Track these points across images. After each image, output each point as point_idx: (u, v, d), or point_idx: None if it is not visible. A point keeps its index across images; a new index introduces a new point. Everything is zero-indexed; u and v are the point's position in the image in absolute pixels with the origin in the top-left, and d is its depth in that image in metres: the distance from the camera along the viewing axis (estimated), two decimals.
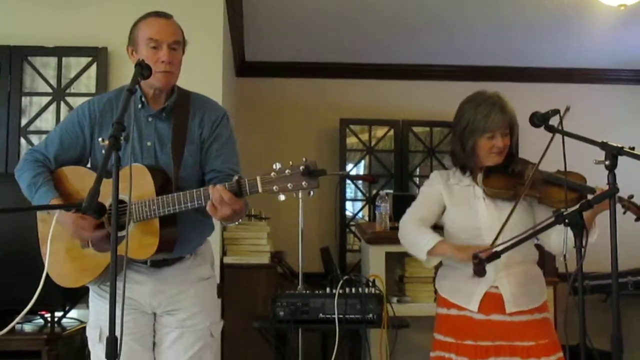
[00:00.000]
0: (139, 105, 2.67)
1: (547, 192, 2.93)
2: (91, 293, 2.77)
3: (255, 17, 5.53)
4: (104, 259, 2.56)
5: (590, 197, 2.69)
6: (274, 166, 2.28)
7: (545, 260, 5.34)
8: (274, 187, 2.26)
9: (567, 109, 2.57)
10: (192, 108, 2.75)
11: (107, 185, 2.20)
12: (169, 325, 2.72)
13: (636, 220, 2.58)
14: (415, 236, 3.05)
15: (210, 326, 2.78)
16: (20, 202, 2.76)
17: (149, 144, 2.68)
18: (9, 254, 3.56)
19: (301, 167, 2.24)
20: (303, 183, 2.24)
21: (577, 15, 5.37)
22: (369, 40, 6.17)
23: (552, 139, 2.65)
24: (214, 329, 2.80)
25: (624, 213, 2.54)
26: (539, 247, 3.15)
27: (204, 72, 4.20)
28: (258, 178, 2.30)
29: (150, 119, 2.70)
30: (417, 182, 6.68)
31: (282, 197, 2.28)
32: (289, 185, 2.25)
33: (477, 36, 6.02)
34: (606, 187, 2.53)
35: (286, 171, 2.25)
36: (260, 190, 2.30)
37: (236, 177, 2.34)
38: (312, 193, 2.30)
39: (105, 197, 2.28)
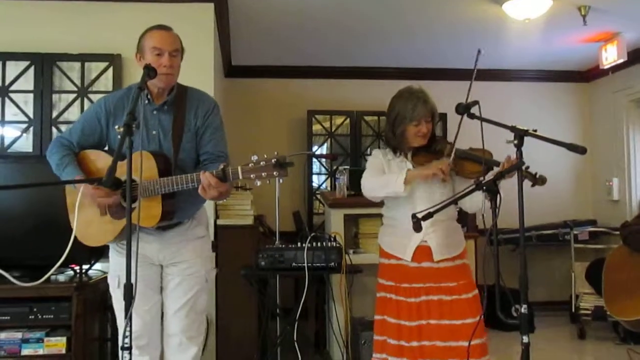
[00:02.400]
0: (146, 101, 2.62)
1: (462, 165, 2.93)
2: (111, 249, 2.77)
3: (239, 29, 5.48)
4: (119, 224, 2.56)
5: (495, 168, 2.71)
6: (252, 158, 2.28)
7: (468, 219, 5.41)
8: (252, 175, 2.27)
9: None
10: (188, 101, 2.72)
11: (119, 166, 2.19)
12: (173, 274, 2.72)
13: (532, 186, 2.59)
14: (384, 180, 2.97)
15: (206, 273, 2.78)
16: (52, 179, 2.72)
17: (154, 132, 2.65)
18: (45, 220, 3.52)
19: (273, 160, 2.25)
20: (274, 173, 2.25)
21: (491, 25, 5.37)
22: (330, 48, 6.15)
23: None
24: (208, 275, 2.80)
25: (522, 182, 2.54)
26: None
27: (199, 74, 4.16)
28: (239, 168, 2.29)
29: (154, 112, 2.66)
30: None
31: (258, 183, 2.28)
32: (263, 174, 2.26)
33: (412, 44, 6.03)
34: (507, 160, 2.62)
35: (261, 162, 2.26)
36: (240, 177, 2.29)
37: (222, 166, 2.33)
38: (281, 181, 2.32)
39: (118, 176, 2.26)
